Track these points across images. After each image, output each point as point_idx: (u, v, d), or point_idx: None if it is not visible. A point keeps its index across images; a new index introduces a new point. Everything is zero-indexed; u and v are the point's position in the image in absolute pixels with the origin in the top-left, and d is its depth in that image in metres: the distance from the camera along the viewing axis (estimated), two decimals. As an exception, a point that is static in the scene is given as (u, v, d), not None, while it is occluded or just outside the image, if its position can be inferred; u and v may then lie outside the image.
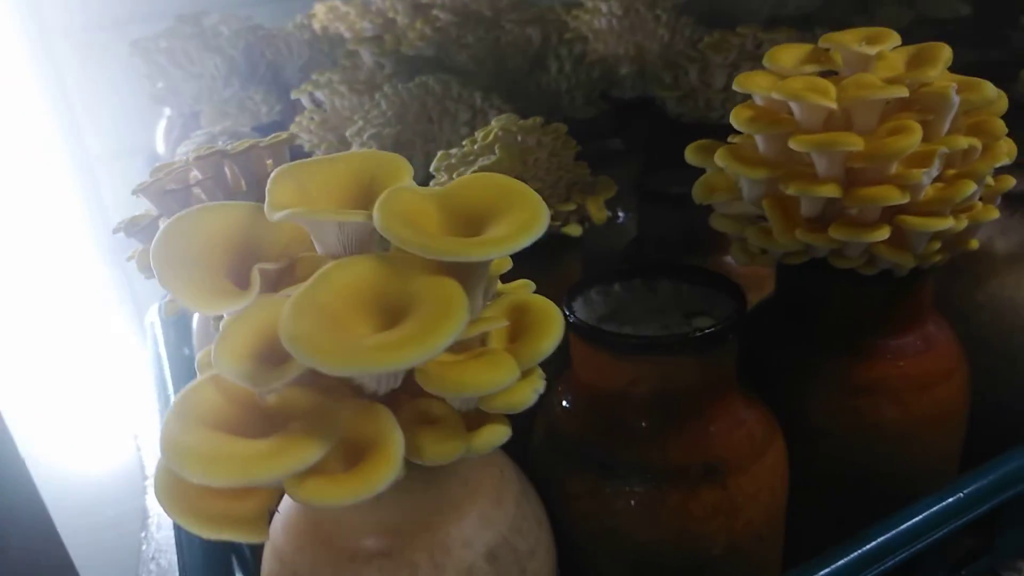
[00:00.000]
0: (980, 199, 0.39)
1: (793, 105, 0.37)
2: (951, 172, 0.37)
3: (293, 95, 0.70)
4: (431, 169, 0.47)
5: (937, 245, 0.37)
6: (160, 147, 0.99)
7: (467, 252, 0.25)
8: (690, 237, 0.53)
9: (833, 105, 0.36)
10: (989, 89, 0.38)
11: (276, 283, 0.31)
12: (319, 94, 0.68)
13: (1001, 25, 0.96)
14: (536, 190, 0.45)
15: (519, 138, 0.45)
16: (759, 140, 0.39)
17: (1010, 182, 0.39)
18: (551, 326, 0.29)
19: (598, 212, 0.46)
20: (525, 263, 0.46)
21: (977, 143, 0.37)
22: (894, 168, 0.35)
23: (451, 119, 0.59)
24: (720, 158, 0.38)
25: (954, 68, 0.38)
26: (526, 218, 0.27)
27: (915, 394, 0.41)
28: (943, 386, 0.42)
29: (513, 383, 0.26)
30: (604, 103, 0.75)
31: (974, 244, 0.39)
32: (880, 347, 0.41)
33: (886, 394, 0.41)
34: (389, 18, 1.06)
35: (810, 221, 0.38)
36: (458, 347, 0.28)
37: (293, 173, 0.31)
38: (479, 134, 0.47)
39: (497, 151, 0.44)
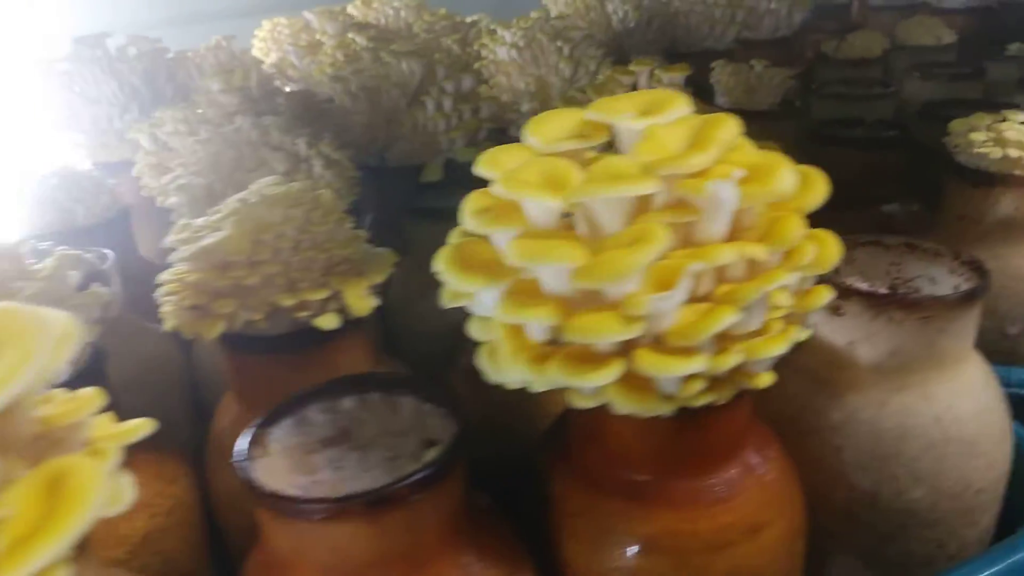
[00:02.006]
0: (788, 318, 0.30)
1: (522, 199, 0.29)
2: (723, 291, 0.29)
3: (129, 135, 0.63)
4: (165, 243, 0.40)
5: (699, 384, 0.29)
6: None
7: None
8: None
9: (556, 203, 0.28)
10: (783, 180, 0.29)
11: None
12: (159, 132, 0.62)
13: (983, 55, 0.88)
14: (276, 273, 0.38)
15: (263, 210, 0.38)
16: (495, 239, 0.31)
17: (821, 297, 0.31)
18: (63, 520, 0.21)
19: (358, 301, 0.38)
20: (282, 364, 0.39)
21: (758, 253, 0.28)
22: (627, 289, 0.27)
23: (268, 170, 0.52)
24: (441, 261, 0.30)
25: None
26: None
27: (707, 556, 0.33)
28: (747, 545, 0.33)
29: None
30: (491, 145, 0.67)
31: (765, 380, 0.30)
32: (663, 491, 0.33)
33: (669, 554, 0.33)
34: (317, 40, 0.99)
35: (542, 347, 0.29)
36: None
37: None
38: (227, 203, 0.39)
39: (228, 227, 0.37)
